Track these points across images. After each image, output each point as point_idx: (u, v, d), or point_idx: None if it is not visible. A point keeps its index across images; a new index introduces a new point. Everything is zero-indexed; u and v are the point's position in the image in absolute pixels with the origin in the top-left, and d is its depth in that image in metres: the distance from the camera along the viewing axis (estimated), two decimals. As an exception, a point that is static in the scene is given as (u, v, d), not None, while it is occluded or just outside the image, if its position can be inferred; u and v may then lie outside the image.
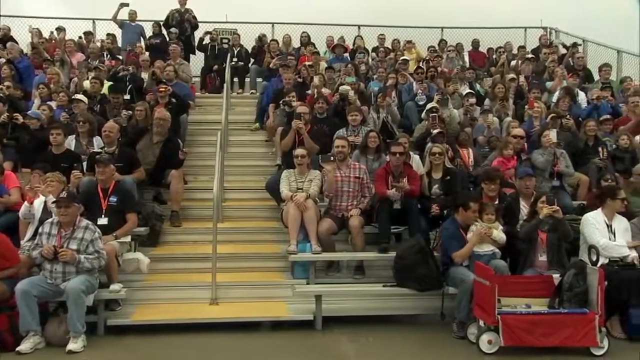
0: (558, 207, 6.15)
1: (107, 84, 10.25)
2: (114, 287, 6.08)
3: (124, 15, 13.60)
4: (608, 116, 9.47)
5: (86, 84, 10.31)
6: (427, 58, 12.95)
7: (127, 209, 6.66)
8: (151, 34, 13.54)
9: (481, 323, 5.61)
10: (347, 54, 13.14)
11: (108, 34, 13.81)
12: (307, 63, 11.86)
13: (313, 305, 6.26)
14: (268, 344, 5.86)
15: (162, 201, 8.08)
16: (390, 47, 13.95)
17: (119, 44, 13.55)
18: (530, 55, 12.83)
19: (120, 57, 12.27)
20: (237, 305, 6.49)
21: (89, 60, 12.00)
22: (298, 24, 14.94)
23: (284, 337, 6.03)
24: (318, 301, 6.24)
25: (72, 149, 7.89)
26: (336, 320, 6.29)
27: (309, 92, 10.34)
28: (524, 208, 6.74)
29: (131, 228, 6.67)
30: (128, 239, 6.66)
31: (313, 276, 6.91)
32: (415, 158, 7.99)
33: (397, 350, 5.71)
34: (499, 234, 6.15)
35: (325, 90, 10.21)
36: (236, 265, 7.23)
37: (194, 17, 13.63)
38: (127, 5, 13.44)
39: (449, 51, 13.47)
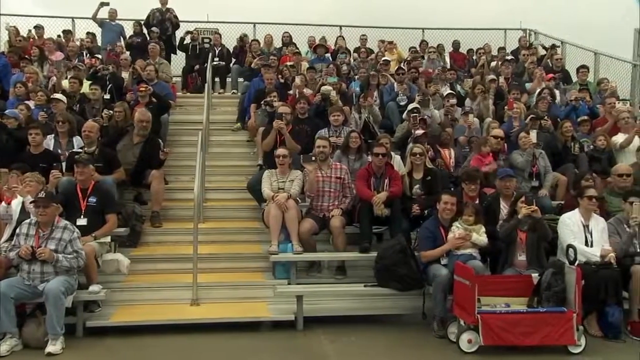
0: (537, 208, 6.22)
1: (86, 83, 10.14)
2: (93, 288, 6.03)
3: (103, 14, 13.46)
4: (586, 117, 9.62)
5: (65, 83, 10.20)
6: (408, 59, 13.03)
7: (106, 210, 6.61)
8: (132, 33, 13.42)
9: (461, 322, 5.66)
10: (328, 55, 13.15)
11: (87, 33, 13.69)
12: (288, 63, 11.85)
13: (294, 305, 6.26)
14: (249, 344, 5.83)
15: (143, 202, 8.03)
16: (371, 48, 14.00)
17: (99, 43, 13.42)
18: (509, 57, 12.98)
19: (100, 57, 12.15)
20: (218, 306, 6.47)
21: (68, 59, 11.87)
22: (280, 24, 14.97)
23: (265, 337, 6.03)
24: (299, 301, 6.24)
25: (51, 148, 7.80)
26: (317, 321, 6.29)
27: (291, 92, 10.34)
28: (504, 208, 6.79)
29: (111, 229, 6.62)
30: (108, 239, 6.60)
31: (294, 276, 6.90)
32: (396, 158, 8.03)
33: (377, 350, 5.72)
34: (479, 237, 6.18)
35: (307, 91, 10.22)
36: (217, 265, 7.20)
37: (175, 17, 13.59)
38: (107, 4, 13.31)
39: (430, 52, 13.57)
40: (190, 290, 6.52)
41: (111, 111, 8.82)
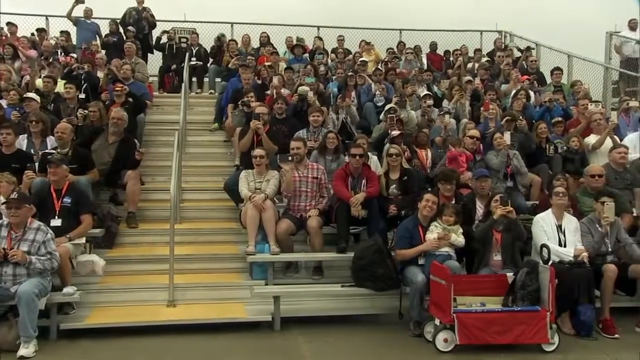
0: (511, 208, 6.31)
1: (61, 82, 10.00)
2: (68, 290, 5.95)
3: (78, 12, 13.30)
4: (560, 118, 9.75)
5: (39, 82, 10.06)
6: (386, 60, 13.09)
7: (81, 210, 6.53)
8: (107, 32, 13.28)
9: (437, 322, 5.70)
10: (306, 55, 13.17)
11: (62, 32, 13.49)
12: (266, 63, 11.84)
13: (271, 306, 6.25)
14: (226, 345, 5.81)
15: (119, 202, 7.96)
16: (349, 48, 14.03)
17: (74, 42, 13.25)
18: (485, 59, 13.11)
19: (75, 55, 12.00)
20: (195, 307, 6.44)
21: (43, 58, 11.71)
22: (257, 24, 14.92)
23: (241, 338, 5.99)
24: (276, 302, 6.24)
25: (24, 149, 7.67)
26: (295, 321, 6.30)
27: (268, 92, 10.33)
28: (480, 208, 6.88)
29: (86, 230, 6.55)
30: (83, 240, 6.53)
31: (271, 277, 6.89)
32: (373, 159, 8.08)
33: (354, 350, 5.74)
34: (457, 237, 6.25)
35: (285, 91, 10.23)
36: (194, 266, 7.17)
37: (152, 16, 13.48)
38: (82, 2, 13.16)
39: (407, 53, 13.64)
40: (167, 292, 6.48)
41: (86, 111, 8.72)
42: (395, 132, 8.30)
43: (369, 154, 8.01)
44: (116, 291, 6.63)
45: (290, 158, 7.17)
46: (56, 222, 6.30)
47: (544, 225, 6.50)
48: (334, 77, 11.68)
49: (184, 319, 6.16)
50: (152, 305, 6.44)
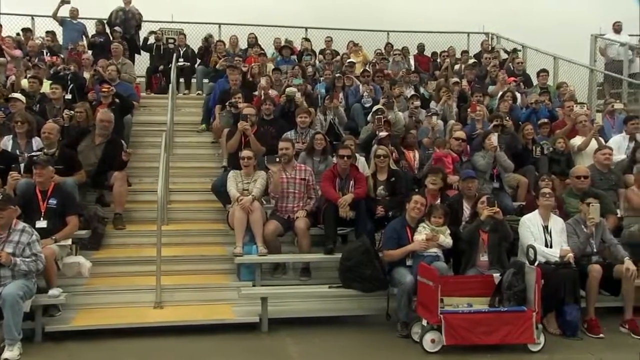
0: (498, 209, 6.34)
1: (46, 83, 9.92)
2: (53, 292, 5.91)
3: (64, 12, 13.19)
4: (546, 120, 9.81)
5: (24, 82, 9.97)
6: (374, 61, 13.12)
7: (67, 212, 6.49)
8: (94, 32, 13.19)
9: (424, 322, 5.73)
10: (294, 56, 13.16)
11: (47, 32, 13.37)
12: (254, 64, 11.82)
13: (259, 307, 6.25)
14: (213, 347, 5.80)
15: (105, 203, 7.92)
16: (337, 50, 14.04)
17: (60, 42, 13.16)
18: (472, 61, 13.18)
19: (62, 56, 11.92)
20: (182, 309, 6.42)
21: (28, 58, 11.61)
22: (245, 25, 14.85)
23: (229, 339, 5.98)
24: (264, 303, 6.24)
25: (9, 149, 7.60)
26: (282, 322, 6.30)
27: (256, 93, 10.31)
28: (467, 209, 6.90)
29: (72, 231, 6.50)
30: (69, 242, 6.49)
31: (259, 278, 6.89)
32: (360, 160, 8.08)
33: (341, 351, 5.76)
34: (445, 239, 6.28)
35: (272, 92, 10.21)
36: (181, 268, 7.14)
37: (139, 16, 13.38)
38: (68, 2, 13.05)
39: (395, 54, 13.68)
40: (154, 293, 6.45)
41: (72, 111, 8.66)
42: (383, 134, 8.32)
43: (357, 155, 8.01)
44: (102, 293, 6.59)
45: (277, 159, 7.16)
46: (42, 223, 6.26)
47: (530, 226, 6.55)
48: (321, 79, 11.68)
49: (171, 320, 6.14)
50: (139, 307, 6.40)
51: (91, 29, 13.40)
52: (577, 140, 9.11)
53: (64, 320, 6.04)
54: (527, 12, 20.51)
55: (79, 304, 6.35)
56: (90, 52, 12.30)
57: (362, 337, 6.11)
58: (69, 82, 10.02)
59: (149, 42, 13.34)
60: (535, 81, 12.27)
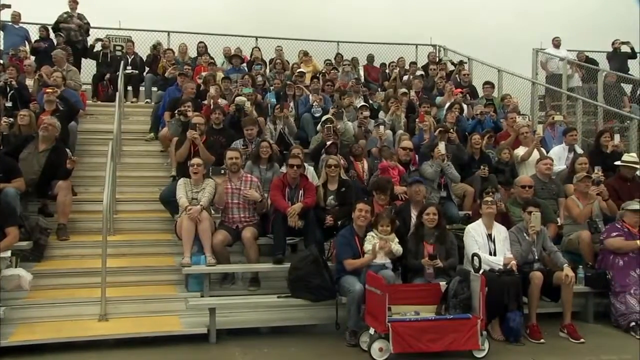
0: (440, 263, 6.34)
1: (-15, 89, 9.58)
2: (-10, 306, 5.70)
3: (5, 16, 12.78)
4: (490, 130, 10.07)
5: (-39, 89, 9.60)
6: (324, 71, 13.22)
7: (6, 223, 6.27)
8: (37, 37, 12.83)
9: (372, 331, 5.77)
10: (244, 65, 13.14)
11: (-14, 37, 12.95)
12: (203, 73, 11.74)
13: (207, 318, 6.18)
14: (161, 359, 5.70)
15: (49, 214, 7.70)
16: (287, 59, 14.08)
17: (1, 47, 12.73)
18: (420, 72, 13.44)
19: (2, 62, 11.52)
20: (128, 321, 6.29)
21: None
22: (194, 33, 14.78)
23: (177, 352, 5.88)
24: (212, 314, 6.18)
25: (-55, 158, 7.30)
26: (231, 333, 6.27)
27: (205, 102, 10.24)
28: (414, 217, 7.00)
29: (11, 243, 6.28)
30: (8, 254, 6.26)
31: (207, 289, 6.80)
32: (309, 170, 8.12)
33: (290, 361, 5.76)
34: (395, 246, 6.37)
35: (222, 101, 10.17)
36: (127, 279, 7.01)
37: (86, 22, 13.11)
38: (8, 6, 12.62)
39: (345, 65, 13.82)
40: (99, 306, 6.31)
41: (11, 119, 8.37)
42: (329, 142, 8.37)
43: (305, 164, 8.04)
44: (44, 306, 6.38)
45: (222, 171, 7.08)
46: (-21, 235, 6.04)
47: (475, 235, 6.70)
48: (271, 88, 11.70)
49: (116, 333, 6.00)
50: (83, 320, 6.25)
51: (34, 35, 13.02)
52: (520, 151, 9.39)
53: (2, 336, 5.78)
54: (471, 25, 21.12)
55: (18, 319, 6.14)
56: (32, 58, 11.95)
57: (311, 347, 6.11)
58: (9, 89, 9.66)
59: (95, 50, 13.06)
60: (480, 93, 12.60)
